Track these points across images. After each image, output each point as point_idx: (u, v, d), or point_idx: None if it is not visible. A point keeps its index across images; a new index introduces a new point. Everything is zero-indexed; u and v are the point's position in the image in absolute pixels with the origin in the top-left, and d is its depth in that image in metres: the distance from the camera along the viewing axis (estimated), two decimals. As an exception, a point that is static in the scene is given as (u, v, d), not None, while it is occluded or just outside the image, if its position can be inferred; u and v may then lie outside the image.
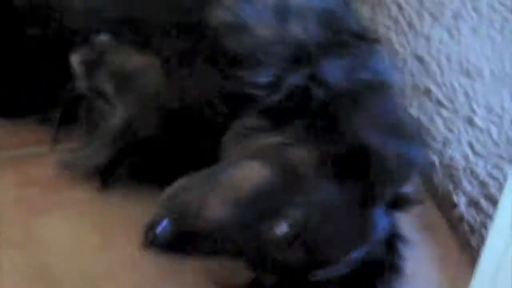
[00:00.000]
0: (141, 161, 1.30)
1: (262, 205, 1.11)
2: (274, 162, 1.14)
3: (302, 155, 1.14)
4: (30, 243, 1.26)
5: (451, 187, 1.48)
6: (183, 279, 1.24)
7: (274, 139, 1.17)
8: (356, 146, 1.14)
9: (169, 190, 1.13)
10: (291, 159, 1.15)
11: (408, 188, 1.23)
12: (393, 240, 1.22)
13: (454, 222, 1.45)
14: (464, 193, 1.47)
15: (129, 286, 1.24)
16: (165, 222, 1.08)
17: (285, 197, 1.12)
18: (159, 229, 1.07)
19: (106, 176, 1.32)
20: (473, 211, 1.45)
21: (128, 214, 1.32)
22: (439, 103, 1.63)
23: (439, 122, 1.59)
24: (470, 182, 1.49)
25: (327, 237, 1.13)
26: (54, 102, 1.35)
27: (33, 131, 1.41)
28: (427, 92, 1.64)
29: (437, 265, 1.39)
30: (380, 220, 1.17)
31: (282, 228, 1.10)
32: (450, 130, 1.58)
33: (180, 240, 1.09)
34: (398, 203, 1.20)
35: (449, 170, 1.50)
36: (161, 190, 1.15)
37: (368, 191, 1.14)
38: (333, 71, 1.23)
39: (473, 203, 1.46)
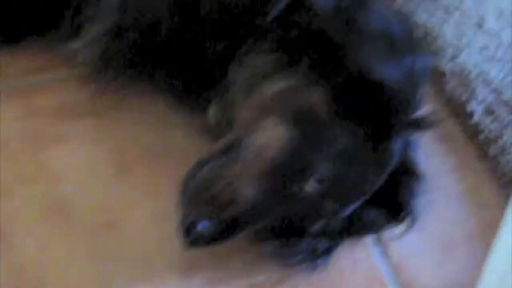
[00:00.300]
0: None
1: (289, 168, 1.09)
2: (290, 112, 1.10)
3: (315, 97, 1.11)
4: (42, 177, 1.22)
5: (465, 96, 1.46)
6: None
7: (285, 83, 1.14)
8: (363, 78, 1.10)
9: (193, 184, 1.09)
10: (306, 104, 1.11)
11: (425, 109, 1.20)
12: (409, 153, 1.20)
13: (470, 132, 1.44)
14: (479, 101, 1.45)
15: (148, 215, 1.21)
16: (202, 222, 1.06)
17: (309, 152, 1.09)
18: (198, 228, 1.06)
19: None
20: (489, 120, 1.43)
21: (142, 140, 1.29)
22: (447, 10, 1.59)
23: (448, 29, 1.55)
24: (483, 90, 1.47)
25: (353, 181, 1.12)
26: (54, 22, 1.30)
27: (32, 59, 1.36)
28: (434, -2, 1.61)
29: (456, 174, 1.39)
30: (399, 145, 1.15)
31: (312, 185, 1.08)
32: (460, 38, 1.54)
33: (221, 230, 1.07)
34: (417, 126, 1.18)
35: (462, 79, 1.48)
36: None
37: (385, 123, 1.12)
38: None
39: (489, 111, 1.44)
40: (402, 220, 1.22)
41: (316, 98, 1.10)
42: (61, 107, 1.31)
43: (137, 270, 1.16)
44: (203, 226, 1.05)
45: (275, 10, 1.16)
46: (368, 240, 1.26)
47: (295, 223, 1.15)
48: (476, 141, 1.43)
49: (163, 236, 1.17)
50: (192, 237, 1.07)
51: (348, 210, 1.15)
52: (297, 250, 1.18)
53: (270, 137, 1.10)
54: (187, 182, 1.10)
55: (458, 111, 1.46)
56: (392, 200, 1.20)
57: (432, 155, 1.34)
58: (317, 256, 1.19)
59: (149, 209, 1.22)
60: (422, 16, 1.57)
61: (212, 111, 1.25)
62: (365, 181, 1.14)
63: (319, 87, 1.11)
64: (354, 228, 1.20)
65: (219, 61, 1.21)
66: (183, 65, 1.24)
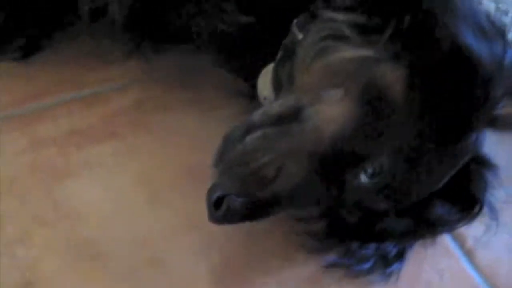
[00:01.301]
0: None
1: (345, 153, 0.93)
2: (360, 88, 0.94)
3: (393, 76, 0.94)
4: (62, 217, 1.05)
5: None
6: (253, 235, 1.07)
7: (360, 51, 0.97)
8: (458, 54, 0.94)
9: (234, 153, 0.94)
10: (380, 82, 0.94)
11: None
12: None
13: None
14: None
15: (192, 245, 1.05)
16: (235, 198, 0.92)
17: (371, 138, 0.93)
18: (231, 204, 0.91)
19: None
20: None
21: (173, 161, 1.13)
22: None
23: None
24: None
25: (415, 183, 0.97)
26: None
27: (30, 83, 1.20)
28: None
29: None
30: (474, 139, 1.01)
31: (367, 176, 0.94)
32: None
33: (253, 209, 0.93)
34: (498, 123, 1.02)
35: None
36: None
37: (469, 114, 0.97)
38: None
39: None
40: (477, 214, 1.07)
41: (394, 76, 0.94)
42: (70, 133, 1.15)
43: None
44: (236, 201, 0.91)
45: None
46: (452, 247, 1.12)
47: (347, 223, 1.02)
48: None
49: (210, 265, 1.03)
50: (221, 212, 0.92)
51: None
52: (364, 257, 1.04)
53: (333, 112, 0.94)
54: (227, 146, 0.96)
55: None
56: (464, 193, 1.06)
57: (497, 144, 1.19)
58: (389, 262, 1.04)
59: (193, 239, 1.06)
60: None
61: (262, 79, 1.10)
62: (430, 181, 1.00)
63: (400, 64, 0.95)
64: (423, 227, 1.06)
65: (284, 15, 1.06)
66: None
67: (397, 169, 0.94)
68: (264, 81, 1.10)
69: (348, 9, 1.00)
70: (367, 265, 1.03)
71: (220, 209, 0.92)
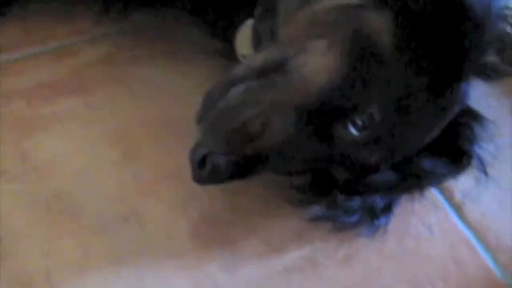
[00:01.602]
0: None
1: (333, 105, 0.89)
2: (345, 37, 0.90)
3: (379, 23, 0.90)
4: (31, 171, 1.00)
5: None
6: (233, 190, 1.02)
7: (345, 0, 0.93)
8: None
9: (217, 108, 0.90)
10: (366, 30, 0.90)
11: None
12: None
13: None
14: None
15: (166, 200, 1.01)
16: (220, 156, 0.88)
17: (360, 88, 0.89)
18: (214, 162, 0.88)
19: None
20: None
21: (147, 114, 1.08)
22: None
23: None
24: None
25: (406, 133, 0.94)
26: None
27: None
28: None
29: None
30: (465, 89, 0.97)
31: (357, 128, 0.90)
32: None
33: (239, 167, 0.89)
34: (486, 72, 1.00)
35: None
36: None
37: (459, 62, 0.93)
38: None
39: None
40: (465, 167, 1.03)
41: (380, 24, 0.90)
42: (39, 86, 1.09)
43: (169, 263, 0.95)
44: (221, 160, 0.87)
45: None
46: (441, 201, 1.08)
47: (332, 176, 0.99)
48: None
49: (190, 221, 0.99)
50: (206, 171, 0.88)
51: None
52: (350, 210, 0.99)
53: (320, 63, 0.89)
54: (210, 102, 0.91)
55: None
56: (453, 146, 1.03)
57: (486, 97, 1.16)
58: (376, 215, 1.00)
59: (170, 194, 1.01)
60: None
61: (241, 37, 1.06)
62: (421, 136, 0.96)
63: (386, 11, 0.90)
64: (410, 180, 1.01)
65: None
66: None
67: (387, 120, 0.90)
68: (242, 39, 1.05)
69: None
70: (353, 218, 0.99)
71: (205, 169, 0.88)
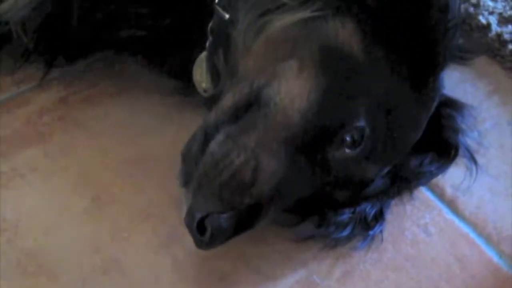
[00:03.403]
0: None
1: (320, 128, 0.87)
2: (313, 53, 0.88)
3: (344, 31, 0.88)
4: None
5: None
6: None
7: (300, 14, 0.90)
8: None
9: (201, 166, 0.86)
10: (333, 40, 0.88)
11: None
12: None
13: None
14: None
15: (144, 244, 0.97)
16: (217, 216, 0.84)
17: (342, 103, 0.87)
18: (212, 225, 0.83)
19: None
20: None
21: (112, 156, 1.05)
22: None
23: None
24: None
25: (399, 136, 0.92)
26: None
27: None
28: None
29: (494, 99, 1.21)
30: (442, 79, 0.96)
31: (350, 146, 0.88)
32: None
33: (242, 219, 0.85)
34: (459, 55, 0.99)
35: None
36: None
37: (431, 52, 0.91)
38: None
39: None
40: (453, 159, 1.03)
41: (346, 32, 0.88)
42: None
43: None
44: (220, 219, 0.83)
45: None
46: (432, 199, 1.06)
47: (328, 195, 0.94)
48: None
49: (175, 260, 0.95)
50: (207, 236, 0.84)
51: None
52: (341, 224, 0.97)
53: (295, 86, 0.87)
54: (189, 161, 0.88)
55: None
56: (437, 139, 1.02)
57: (461, 83, 1.15)
58: (369, 225, 0.98)
59: (149, 234, 0.97)
60: None
61: (198, 71, 1.02)
62: (410, 133, 0.94)
63: (348, 17, 0.88)
64: (400, 183, 1.01)
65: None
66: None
67: (378, 129, 0.88)
68: (200, 73, 1.02)
69: None
70: (346, 232, 0.96)
71: (206, 233, 0.84)
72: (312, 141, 0.86)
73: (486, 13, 1.27)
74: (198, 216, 0.83)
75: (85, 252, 0.95)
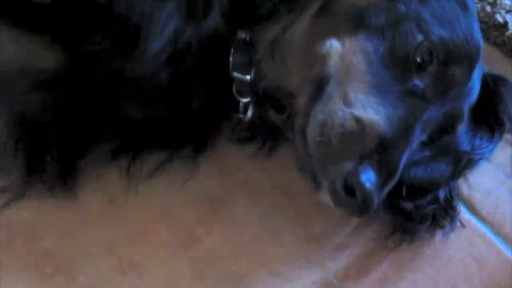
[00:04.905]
0: None
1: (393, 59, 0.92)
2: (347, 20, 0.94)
3: None
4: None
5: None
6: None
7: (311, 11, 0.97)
8: None
9: (314, 146, 0.88)
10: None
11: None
12: None
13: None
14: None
15: (163, 243, 0.98)
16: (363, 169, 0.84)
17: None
18: (357, 180, 0.83)
19: None
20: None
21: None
22: None
23: None
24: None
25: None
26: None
27: None
28: None
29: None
30: None
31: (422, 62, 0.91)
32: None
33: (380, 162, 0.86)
34: None
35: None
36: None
37: None
38: None
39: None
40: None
41: None
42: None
43: None
44: (359, 173, 0.84)
45: None
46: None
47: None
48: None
49: (192, 262, 0.97)
50: (360, 193, 0.84)
51: None
52: (424, 216, 1.01)
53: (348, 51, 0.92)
54: (308, 161, 0.90)
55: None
56: (491, 113, 1.06)
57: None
58: (446, 211, 1.02)
59: (161, 238, 0.99)
60: None
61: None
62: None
63: None
64: (459, 163, 1.04)
65: None
66: None
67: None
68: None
69: None
70: (427, 224, 1.01)
71: (357, 192, 0.84)
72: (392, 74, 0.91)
73: (503, 11, 1.28)
74: (339, 185, 0.85)
75: (102, 253, 0.96)
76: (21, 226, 0.98)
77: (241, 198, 1.03)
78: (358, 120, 0.86)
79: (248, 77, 1.01)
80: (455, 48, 0.92)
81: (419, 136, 0.91)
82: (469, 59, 0.93)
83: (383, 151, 0.85)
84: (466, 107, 0.96)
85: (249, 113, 1.03)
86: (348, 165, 0.84)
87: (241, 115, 1.03)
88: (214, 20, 0.98)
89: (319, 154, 0.87)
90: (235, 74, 1.01)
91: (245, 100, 1.02)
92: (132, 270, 0.95)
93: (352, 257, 0.99)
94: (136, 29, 0.95)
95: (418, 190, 0.98)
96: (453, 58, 0.92)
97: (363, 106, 0.87)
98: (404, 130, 0.88)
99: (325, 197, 0.87)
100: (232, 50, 1.00)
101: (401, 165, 0.87)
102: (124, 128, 1.03)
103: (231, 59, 1.00)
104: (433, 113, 0.92)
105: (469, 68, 0.94)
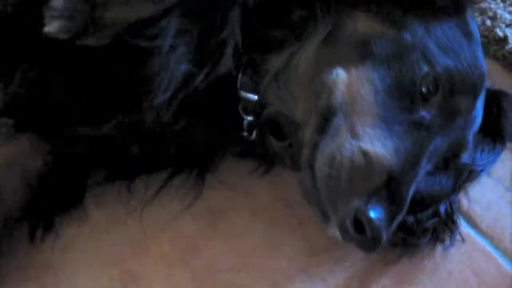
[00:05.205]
0: None
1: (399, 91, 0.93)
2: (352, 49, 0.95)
3: (362, 21, 0.97)
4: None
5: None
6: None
7: (316, 39, 0.98)
8: None
9: (323, 182, 0.90)
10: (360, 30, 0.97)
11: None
12: None
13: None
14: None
15: (163, 257, 0.98)
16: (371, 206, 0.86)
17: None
18: (366, 216, 0.85)
19: None
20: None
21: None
22: None
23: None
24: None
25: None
26: None
27: None
28: None
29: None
30: None
31: (429, 91, 0.93)
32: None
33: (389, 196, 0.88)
34: None
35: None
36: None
37: None
38: None
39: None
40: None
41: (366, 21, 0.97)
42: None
43: None
44: (368, 209, 0.85)
45: None
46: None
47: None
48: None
49: (194, 274, 0.97)
50: (369, 229, 0.85)
51: None
52: (425, 230, 1.02)
53: (353, 82, 0.94)
54: (313, 196, 0.92)
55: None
56: (494, 127, 1.08)
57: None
58: (447, 225, 1.03)
59: (162, 249, 1.00)
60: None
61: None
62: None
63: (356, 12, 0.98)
64: (460, 176, 1.05)
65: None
66: None
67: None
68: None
69: None
70: (427, 238, 1.02)
71: (366, 228, 0.86)
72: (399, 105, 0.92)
73: (503, 25, 1.29)
74: (348, 222, 0.86)
75: (103, 265, 0.97)
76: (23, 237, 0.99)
77: (242, 211, 1.03)
78: (365, 154, 0.88)
79: (255, 97, 1.01)
80: (460, 78, 0.93)
81: (425, 167, 0.92)
82: (474, 88, 0.95)
83: (391, 187, 0.87)
84: (470, 136, 0.97)
85: (254, 134, 1.04)
86: (357, 202, 0.85)
87: (245, 133, 1.04)
88: (225, 65, 0.98)
89: (327, 189, 0.89)
90: (243, 93, 1.01)
91: (250, 118, 1.02)
92: (133, 281, 0.96)
93: (353, 270, 0.99)
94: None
95: (418, 203, 0.98)
96: (458, 88, 0.93)
97: (371, 139, 0.89)
98: (411, 163, 0.89)
99: (334, 230, 0.89)
100: (240, 74, 1.01)
101: (409, 198, 0.89)
102: (123, 161, 1.05)
103: (239, 80, 1.01)
104: (439, 144, 0.93)
105: (474, 98, 0.95)
